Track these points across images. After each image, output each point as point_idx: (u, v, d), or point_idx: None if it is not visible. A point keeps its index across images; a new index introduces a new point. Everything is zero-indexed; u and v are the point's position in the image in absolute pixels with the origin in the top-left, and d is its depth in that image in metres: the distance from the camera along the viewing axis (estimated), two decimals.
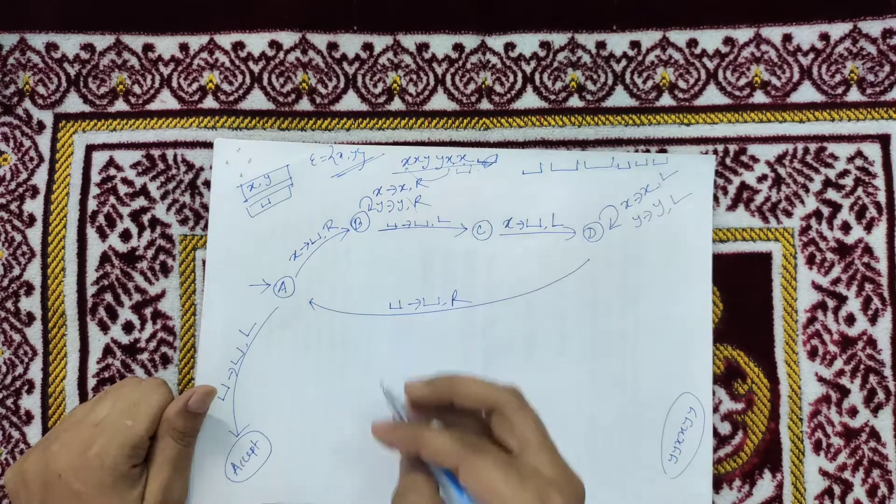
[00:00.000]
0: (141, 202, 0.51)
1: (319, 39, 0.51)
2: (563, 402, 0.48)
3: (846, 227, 0.50)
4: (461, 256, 0.49)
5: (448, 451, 0.37)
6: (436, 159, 0.50)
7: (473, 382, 0.40)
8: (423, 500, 0.37)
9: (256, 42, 0.51)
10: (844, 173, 0.51)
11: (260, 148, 0.50)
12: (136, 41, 0.52)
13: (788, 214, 0.50)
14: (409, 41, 0.52)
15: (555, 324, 0.49)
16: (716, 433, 0.49)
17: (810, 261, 0.50)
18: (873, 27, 0.51)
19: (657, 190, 0.50)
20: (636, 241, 0.49)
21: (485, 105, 0.51)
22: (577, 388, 0.48)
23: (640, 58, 0.51)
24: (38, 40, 0.51)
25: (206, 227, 0.50)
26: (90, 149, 0.51)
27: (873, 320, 0.50)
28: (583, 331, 0.49)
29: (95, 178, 0.51)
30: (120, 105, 0.51)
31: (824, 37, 0.51)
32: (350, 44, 0.52)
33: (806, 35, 0.51)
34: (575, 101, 0.51)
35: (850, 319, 0.50)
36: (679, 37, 0.51)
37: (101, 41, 0.52)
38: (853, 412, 0.49)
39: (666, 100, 0.51)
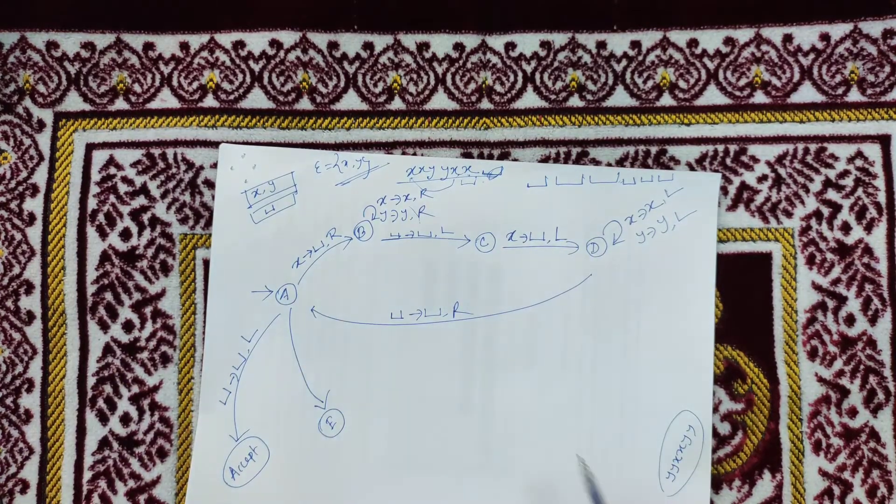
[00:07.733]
0: (141, 201, 0.51)
1: (320, 38, 0.51)
2: (563, 417, 0.48)
3: (846, 228, 0.50)
4: (464, 268, 0.49)
5: None
6: (441, 170, 0.50)
7: None
8: None
9: (257, 41, 0.51)
10: (845, 174, 0.51)
11: (265, 154, 0.50)
12: (136, 40, 0.52)
13: (788, 215, 0.50)
14: (410, 40, 0.52)
15: (556, 338, 0.49)
16: (715, 433, 0.49)
17: (810, 261, 0.50)
18: (874, 27, 0.51)
19: (662, 206, 0.49)
20: (639, 257, 0.49)
21: (485, 105, 0.51)
22: (577, 402, 0.48)
23: (640, 58, 0.51)
24: (38, 39, 0.51)
25: (206, 225, 0.50)
26: (90, 147, 0.51)
27: (873, 321, 0.50)
28: (583, 346, 0.49)
29: (95, 176, 0.51)
30: (120, 104, 0.51)
31: (825, 37, 0.51)
32: (350, 43, 0.52)
33: (806, 35, 0.51)
34: (575, 101, 0.51)
35: (850, 320, 0.50)
36: (679, 37, 0.51)
37: (102, 40, 0.52)
38: (853, 413, 0.50)
39: (666, 100, 0.51)
